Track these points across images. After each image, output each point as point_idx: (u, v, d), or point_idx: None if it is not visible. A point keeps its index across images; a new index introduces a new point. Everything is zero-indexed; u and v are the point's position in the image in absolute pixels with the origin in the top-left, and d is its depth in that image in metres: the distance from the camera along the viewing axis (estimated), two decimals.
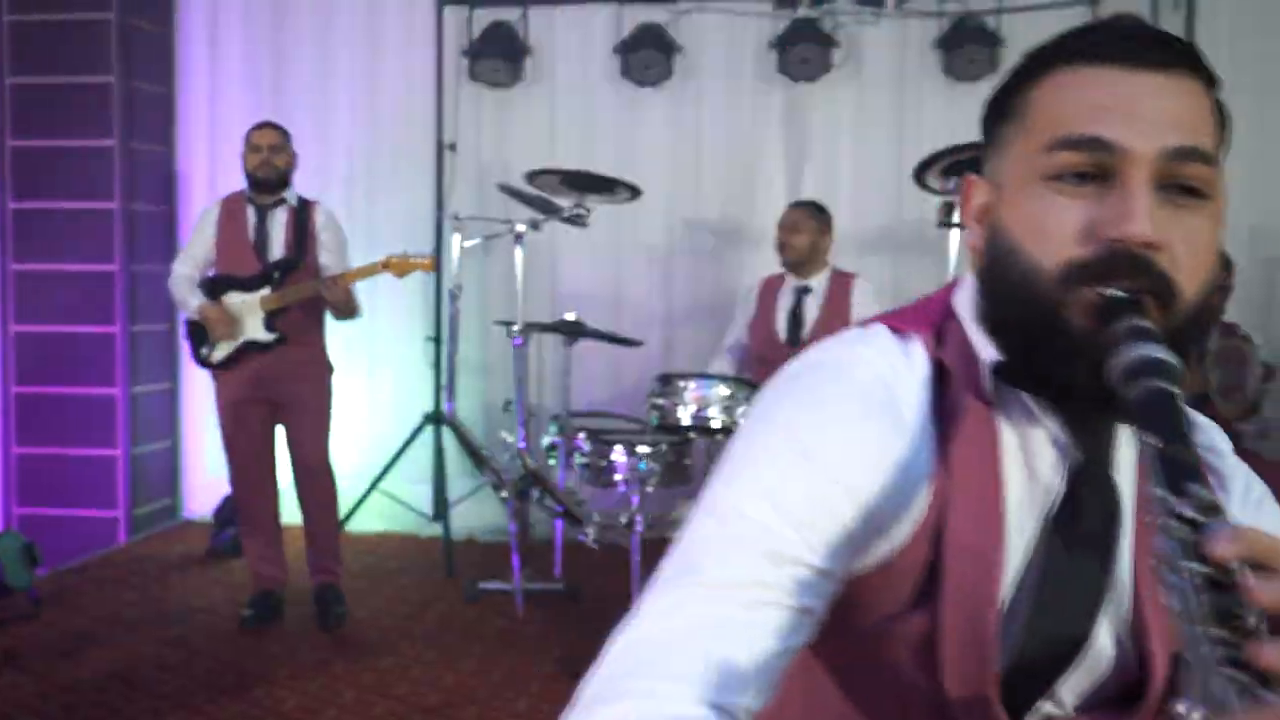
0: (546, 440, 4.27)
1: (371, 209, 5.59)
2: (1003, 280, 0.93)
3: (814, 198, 4.90)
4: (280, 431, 4.27)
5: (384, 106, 5.70)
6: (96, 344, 5.35)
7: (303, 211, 4.24)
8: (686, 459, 3.98)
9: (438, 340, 5.36)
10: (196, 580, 4.78)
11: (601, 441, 3.93)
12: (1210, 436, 1.08)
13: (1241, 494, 1.04)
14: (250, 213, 4.21)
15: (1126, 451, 0.99)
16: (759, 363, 4.48)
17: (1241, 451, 1.11)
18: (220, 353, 4.15)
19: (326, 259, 4.21)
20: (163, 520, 5.70)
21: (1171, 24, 5.18)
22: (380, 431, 5.51)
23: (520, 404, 4.29)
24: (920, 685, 0.96)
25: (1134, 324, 0.82)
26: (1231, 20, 5.10)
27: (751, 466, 0.92)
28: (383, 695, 3.52)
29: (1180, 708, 0.67)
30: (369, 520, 5.36)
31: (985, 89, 4.23)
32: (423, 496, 5.43)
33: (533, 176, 4.26)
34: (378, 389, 5.62)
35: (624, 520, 3.81)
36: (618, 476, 3.88)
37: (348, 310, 4.17)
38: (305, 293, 4.11)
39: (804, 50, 5.27)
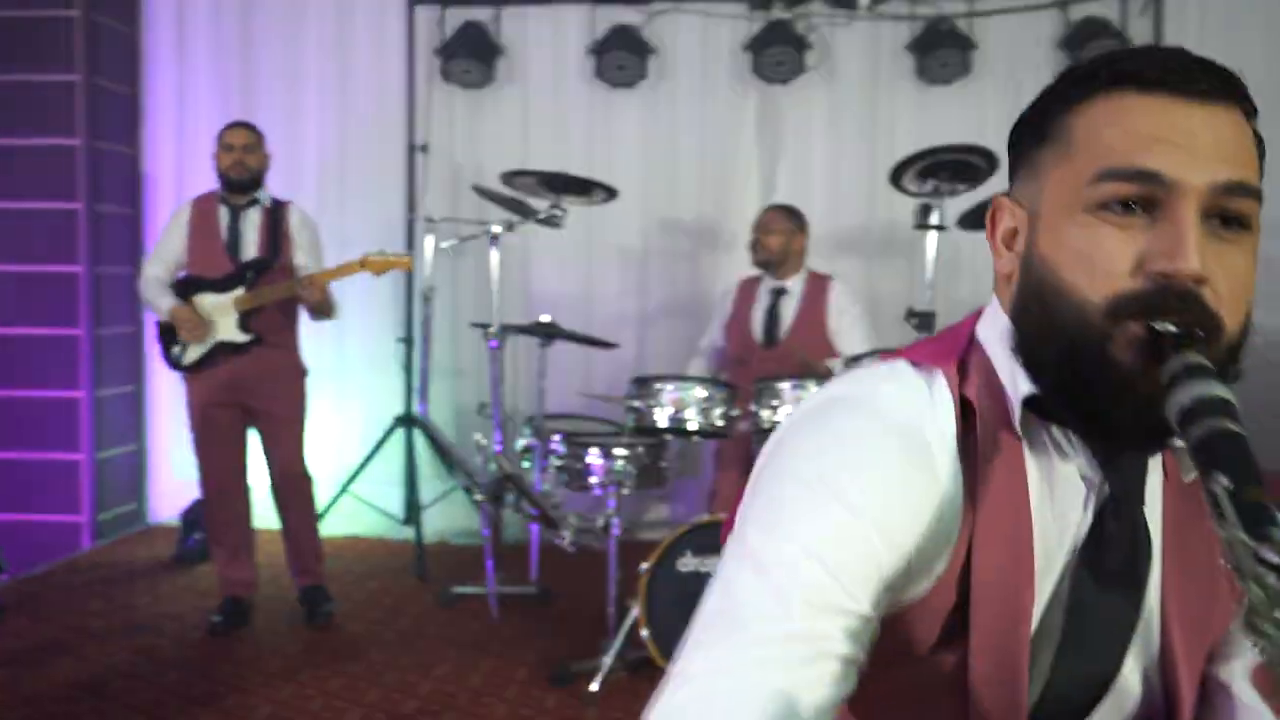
0: (521, 443, 4.23)
1: (342, 211, 5.52)
2: (1044, 312, 0.91)
3: (787, 199, 4.91)
4: (253, 436, 4.22)
5: (354, 107, 5.64)
6: (61, 346, 5.26)
7: (276, 211, 4.19)
8: (662, 461, 3.96)
9: (409, 342, 5.31)
10: (164, 586, 4.70)
11: (577, 444, 3.91)
12: None
13: None
14: (223, 213, 4.16)
15: (1153, 484, 0.98)
16: (736, 364, 4.47)
17: None
18: (192, 354, 4.09)
19: (302, 259, 4.17)
20: (128, 525, 5.61)
21: (1140, 26, 5.23)
22: (351, 434, 5.46)
23: (496, 406, 4.26)
24: None
25: (1191, 361, 0.80)
26: (1199, 23, 5.15)
27: (787, 513, 0.89)
28: (355, 702, 3.48)
29: None
30: (339, 524, 5.30)
31: (957, 91, 4.29)
32: (393, 500, 5.39)
33: (509, 178, 4.23)
34: (348, 391, 5.57)
35: (600, 523, 3.78)
36: (593, 479, 3.86)
37: (325, 310, 4.12)
38: (280, 293, 4.06)
39: (778, 52, 5.27)
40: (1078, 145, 0.90)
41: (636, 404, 3.76)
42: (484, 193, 4.31)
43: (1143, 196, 0.86)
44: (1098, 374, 0.87)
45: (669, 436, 3.82)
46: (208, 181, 4.19)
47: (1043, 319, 0.91)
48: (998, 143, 3.99)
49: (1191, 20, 5.16)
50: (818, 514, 0.88)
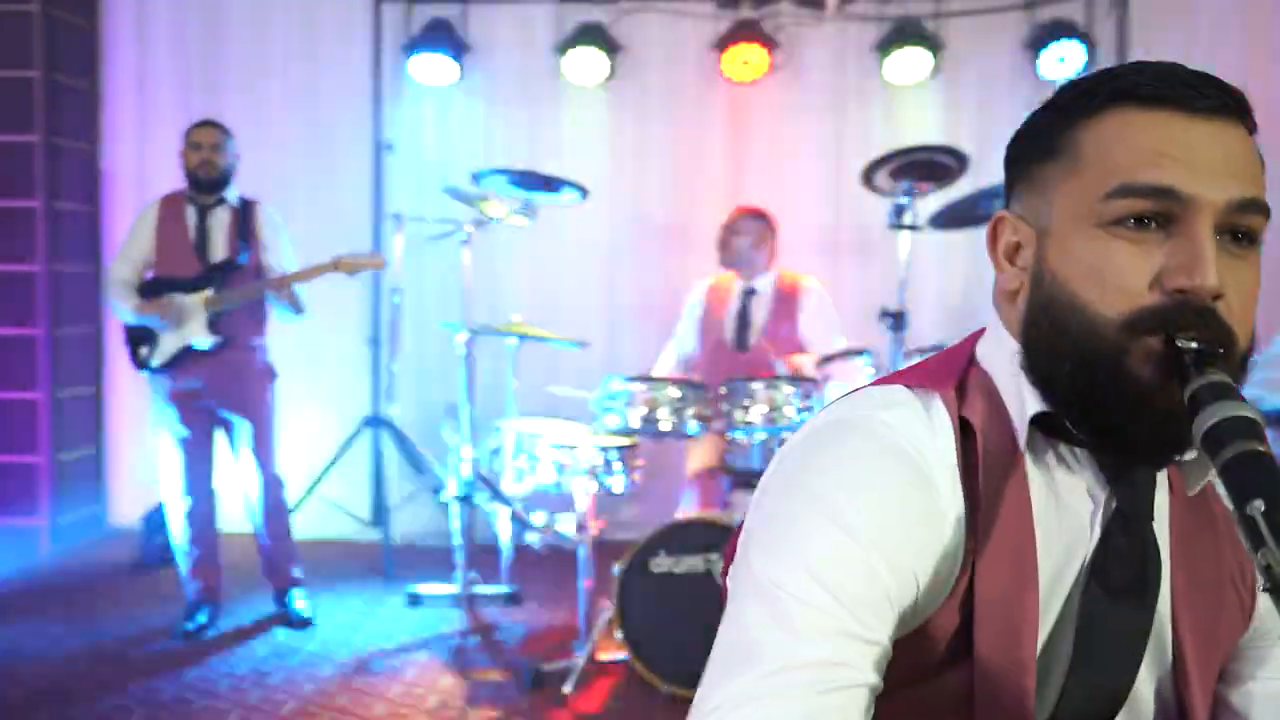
0: (492, 443, 4.20)
1: (306, 209, 5.44)
2: (1056, 327, 0.91)
3: (755, 198, 4.93)
4: (221, 438, 4.17)
5: (319, 103, 5.58)
6: (18, 346, 5.17)
7: (245, 211, 4.14)
8: (635, 462, 3.94)
9: (376, 343, 5.26)
10: (127, 590, 4.63)
11: (548, 444, 3.88)
12: None
13: None
14: (191, 212, 4.10)
15: (1159, 499, 0.98)
16: (707, 365, 4.46)
17: None
18: (161, 356, 4.02)
19: (271, 259, 4.12)
20: (89, 529, 5.52)
21: (1105, 30, 5.28)
22: (317, 436, 5.40)
23: (469, 407, 4.22)
24: None
25: (1215, 380, 0.81)
26: (1164, 26, 5.20)
27: (790, 540, 0.88)
28: (326, 706, 3.44)
29: None
30: (305, 526, 5.22)
31: (924, 92, 4.29)
32: (360, 501, 5.33)
33: (480, 176, 4.20)
34: (314, 392, 5.50)
35: (573, 523, 3.76)
36: (564, 479, 3.83)
37: (294, 312, 4.08)
38: (250, 294, 4.01)
39: (746, 51, 5.26)
40: (1087, 161, 0.90)
41: (610, 404, 3.74)
42: (455, 193, 4.28)
43: (1158, 212, 0.87)
44: (1114, 388, 0.87)
45: (641, 437, 3.80)
46: (169, 179, 4.14)
47: (1054, 334, 0.91)
48: (965, 143, 4.07)
49: (1156, 22, 5.21)
50: (820, 540, 0.87)
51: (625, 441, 3.83)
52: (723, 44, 5.30)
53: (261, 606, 4.31)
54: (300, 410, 5.38)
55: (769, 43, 5.26)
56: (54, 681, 3.59)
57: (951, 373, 0.99)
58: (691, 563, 3.51)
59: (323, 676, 3.68)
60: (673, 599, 3.49)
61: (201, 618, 4.07)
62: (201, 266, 4.04)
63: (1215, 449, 0.77)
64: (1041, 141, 0.95)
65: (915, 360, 1.45)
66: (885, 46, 5.32)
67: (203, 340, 4.01)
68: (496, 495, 3.91)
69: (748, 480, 3.89)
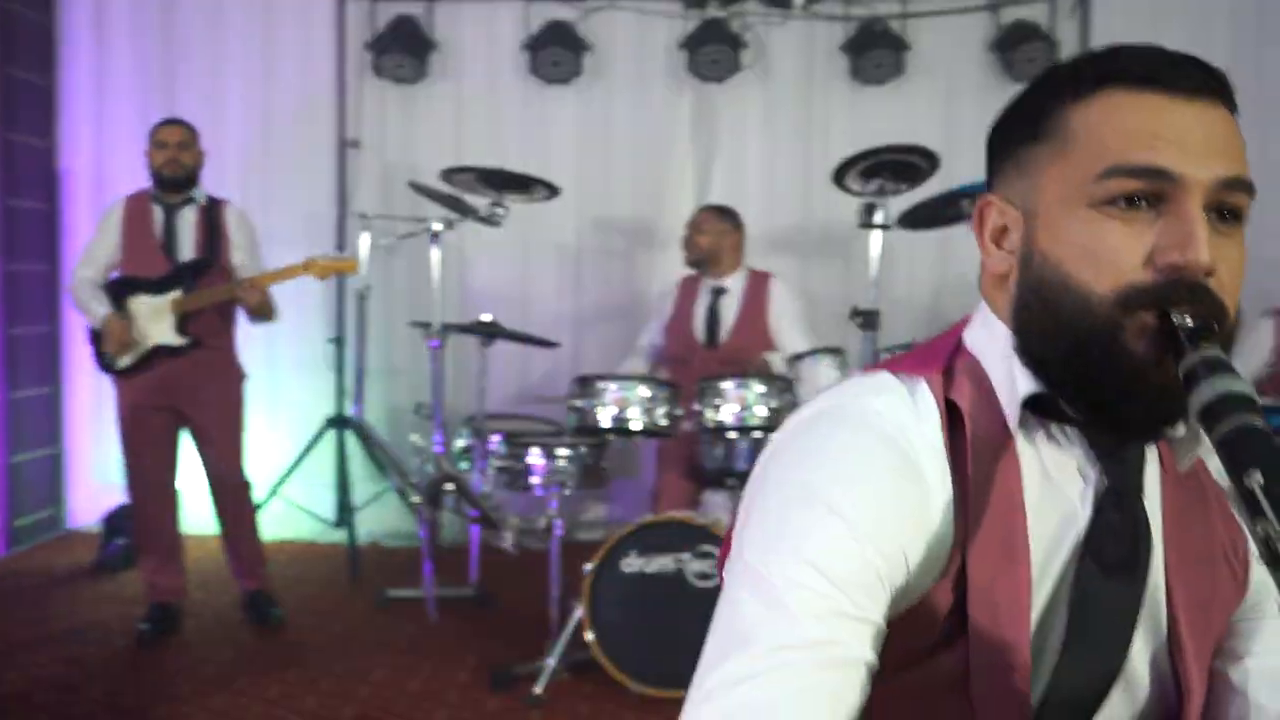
0: (460, 443, 4.17)
1: (268, 207, 5.37)
2: (1047, 308, 0.93)
3: (722, 198, 4.94)
4: (187, 440, 4.11)
5: (282, 100, 5.52)
6: None
7: (213, 210, 4.08)
8: (604, 462, 3.93)
9: (340, 342, 5.21)
10: (86, 594, 4.55)
11: (518, 444, 3.86)
12: None
13: None
14: (157, 212, 4.03)
15: (1151, 475, 1.00)
16: (677, 364, 4.45)
17: None
18: (127, 358, 3.96)
19: (240, 259, 4.07)
20: (46, 531, 5.42)
21: (1068, 29, 5.33)
22: (281, 436, 5.34)
23: (438, 407, 4.18)
24: None
25: (1210, 355, 0.82)
26: (1126, 25, 5.25)
27: (781, 528, 0.90)
28: (293, 709, 3.39)
29: None
30: (269, 527, 5.15)
31: (891, 92, 4.31)
32: (324, 502, 5.28)
33: (448, 174, 4.16)
34: (278, 392, 5.44)
35: (542, 524, 3.74)
36: (535, 479, 3.81)
37: (264, 313, 4.04)
38: (220, 295, 3.95)
39: (713, 50, 5.27)
40: (1076, 142, 0.92)
41: (579, 403, 3.72)
42: (422, 190, 4.24)
43: (1149, 192, 0.88)
44: (1109, 365, 0.89)
45: (611, 436, 3.79)
46: (128, 177, 4.08)
47: (1046, 315, 0.92)
48: (930, 142, 4.08)
49: (1118, 22, 5.26)
50: (811, 526, 0.88)
51: (596, 441, 3.82)
52: (690, 43, 5.30)
53: (226, 609, 4.25)
54: (263, 410, 5.31)
55: (736, 42, 5.26)
56: (13, 686, 3.52)
57: (938, 358, 1.00)
58: (662, 563, 3.50)
59: (289, 679, 3.63)
60: (643, 599, 3.48)
61: (163, 620, 4.01)
62: (169, 267, 3.97)
63: (1212, 423, 0.78)
64: (1028, 124, 0.97)
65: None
66: (852, 47, 5.34)
67: (172, 341, 3.95)
68: (465, 496, 3.87)
69: (719, 480, 3.89)
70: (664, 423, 3.70)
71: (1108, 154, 0.89)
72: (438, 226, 4.28)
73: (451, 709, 3.41)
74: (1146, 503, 0.98)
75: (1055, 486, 0.96)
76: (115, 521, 4.94)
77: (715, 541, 3.45)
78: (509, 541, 3.80)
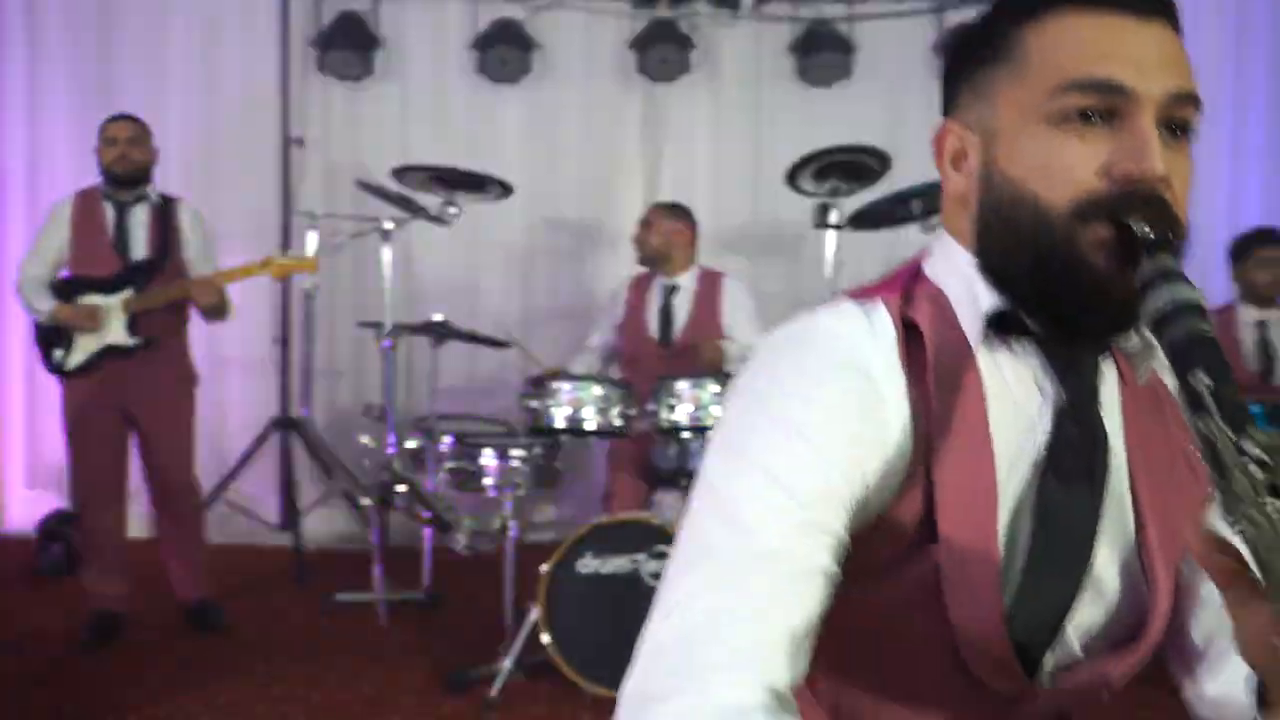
0: (411, 444, 4.12)
1: (212, 206, 5.24)
2: (1008, 225, 0.95)
3: (671, 197, 4.92)
4: (133, 442, 4.02)
5: (224, 97, 5.43)
6: None
7: (166, 209, 4.00)
8: (557, 461, 3.91)
9: (285, 342, 5.13)
10: (24, 600, 4.43)
11: (470, 445, 3.82)
12: None
13: None
14: (108, 209, 3.94)
15: (1111, 389, 1.03)
16: (631, 362, 4.44)
17: None
18: (77, 358, 3.86)
19: (193, 258, 3.99)
20: None
21: None
22: (224, 438, 5.24)
23: (390, 408, 4.14)
24: (932, 635, 0.97)
25: (1165, 265, 0.84)
26: None
27: (743, 447, 0.93)
28: (243, 716, 3.33)
29: None
30: (213, 530, 5.05)
31: (837, 93, 4.34)
32: (268, 506, 5.20)
33: (400, 173, 4.11)
34: (220, 393, 5.33)
35: (497, 525, 3.71)
36: (488, 480, 3.78)
37: (219, 312, 3.97)
38: (173, 294, 3.88)
39: (662, 50, 5.28)
40: (1031, 63, 0.94)
41: (533, 404, 3.70)
42: (371, 189, 4.19)
43: (1104, 107, 0.91)
44: (1069, 278, 0.92)
45: (565, 436, 3.77)
46: (63, 176, 4.00)
47: (1006, 232, 0.95)
48: (877, 143, 4.12)
49: None
50: (770, 445, 0.91)
51: (549, 441, 3.80)
52: (639, 43, 5.30)
53: (170, 615, 4.16)
54: (207, 412, 5.21)
55: (685, 42, 5.28)
56: None
57: (896, 284, 1.03)
58: (618, 563, 3.49)
59: (239, 686, 3.56)
60: (600, 600, 3.46)
61: (106, 627, 3.92)
62: (121, 266, 3.89)
63: (1162, 327, 0.80)
64: (984, 47, 0.99)
65: None
66: (799, 48, 5.38)
67: (124, 341, 3.86)
68: (420, 497, 3.83)
69: (672, 480, 3.89)
70: (618, 422, 3.69)
71: (1062, 71, 0.92)
72: (389, 225, 4.23)
73: (406, 713, 3.37)
74: (1108, 416, 1.01)
75: (1015, 402, 0.99)
76: (53, 526, 4.82)
77: (671, 542, 3.44)
78: (461, 543, 3.76)
